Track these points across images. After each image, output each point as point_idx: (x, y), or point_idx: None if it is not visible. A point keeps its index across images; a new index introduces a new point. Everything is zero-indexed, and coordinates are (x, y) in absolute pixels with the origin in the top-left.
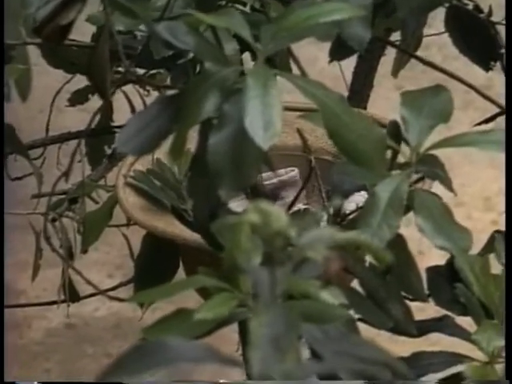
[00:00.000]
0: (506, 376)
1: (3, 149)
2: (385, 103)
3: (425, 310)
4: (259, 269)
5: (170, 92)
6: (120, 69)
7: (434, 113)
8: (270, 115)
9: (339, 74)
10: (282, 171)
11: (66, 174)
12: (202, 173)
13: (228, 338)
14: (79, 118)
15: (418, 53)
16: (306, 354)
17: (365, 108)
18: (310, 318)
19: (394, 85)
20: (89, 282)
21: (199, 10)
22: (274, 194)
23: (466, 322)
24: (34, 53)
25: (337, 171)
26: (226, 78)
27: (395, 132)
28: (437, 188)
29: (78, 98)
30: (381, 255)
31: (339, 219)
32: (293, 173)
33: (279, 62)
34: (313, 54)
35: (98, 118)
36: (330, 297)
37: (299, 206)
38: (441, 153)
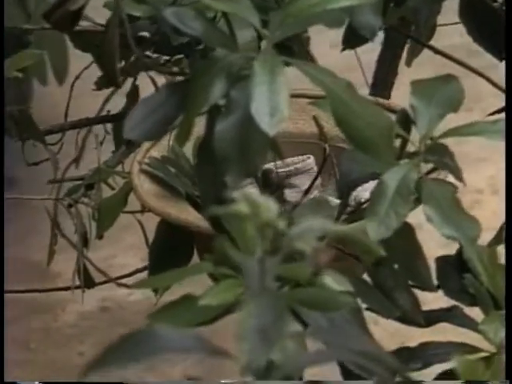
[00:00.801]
0: (506, 376)
1: (3, 147)
2: None
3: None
4: (249, 259)
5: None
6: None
7: (443, 102)
8: (277, 101)
9: (367, 62)
10: (298, 158)
11: (77, 160)
12: (209, 159)
13: None
14: (111, 102)
15: (452, 40)
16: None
17: (389, 95)
18: (315, 306)
19: (434, 71)
20: (99, 270)
21: None
22: (288, 182)
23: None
24: None
25: (345, 159)
26: (233, 64)
27: (404, 120)
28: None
29: (104, 83)
30: (371, 249)
31: (351, 208)
32: (309, 160)
33: (296, 48)
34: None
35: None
36: (335, 283)
37: (315, 193)
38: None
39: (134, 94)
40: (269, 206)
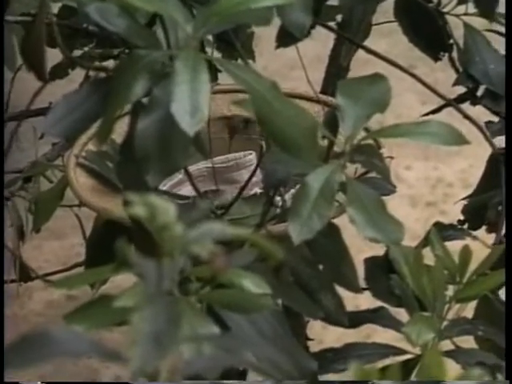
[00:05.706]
0: (506, 376)
1: (3, 144)
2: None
3: None
4: (145, 262)
5: None
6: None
7: (370, 102)
8: (198, 100)
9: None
10: (239, 154)
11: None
12: (131, 157)
13: None
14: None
15: None
16: None
17: None
18: (233, 307)
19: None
20: (31, 269)
21: None
22: (229, 177)
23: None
24: None
25: (269, 159)
26: (156, 62)
27: (332, 122)
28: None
29: (58, 73)
30: (270, 251)
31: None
32: (250, 156)
33: (241, 46)
34: None
35: None
36: (253, 285)
37: (255, 190)
38: None
39: None
40: (166, 208)
